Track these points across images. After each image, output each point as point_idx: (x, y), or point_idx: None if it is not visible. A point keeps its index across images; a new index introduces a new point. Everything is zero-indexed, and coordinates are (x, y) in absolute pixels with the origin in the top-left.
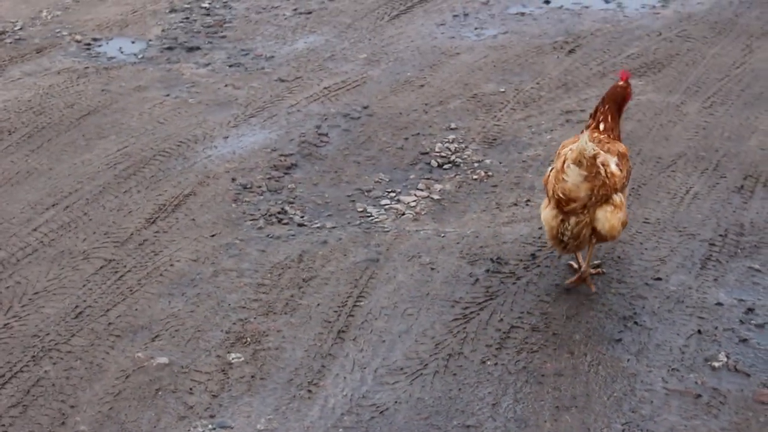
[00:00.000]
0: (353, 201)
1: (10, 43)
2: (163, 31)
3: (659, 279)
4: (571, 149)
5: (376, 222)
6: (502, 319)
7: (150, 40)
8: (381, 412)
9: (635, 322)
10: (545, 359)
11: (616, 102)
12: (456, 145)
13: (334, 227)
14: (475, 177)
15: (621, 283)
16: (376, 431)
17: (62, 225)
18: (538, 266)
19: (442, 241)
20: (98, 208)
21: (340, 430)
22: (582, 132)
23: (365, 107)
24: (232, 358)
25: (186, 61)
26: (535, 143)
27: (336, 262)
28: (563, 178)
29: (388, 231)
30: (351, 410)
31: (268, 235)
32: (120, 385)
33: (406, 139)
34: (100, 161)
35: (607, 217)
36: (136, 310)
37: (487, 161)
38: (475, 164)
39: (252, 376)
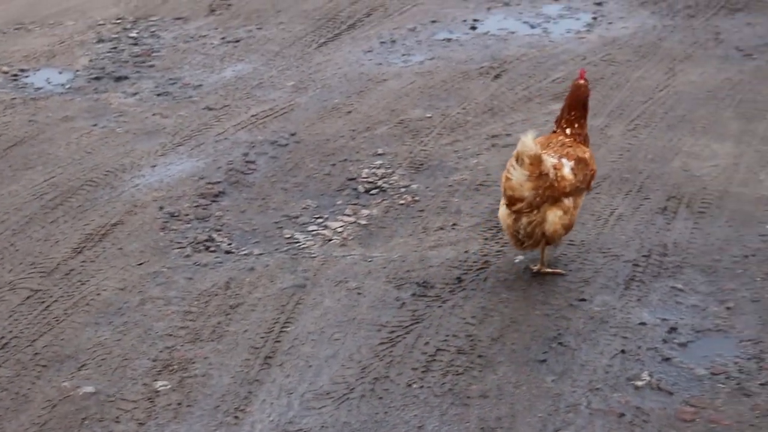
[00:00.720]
0: (280, 228)
1: None
2: (90, 61)
3: (584, 300)
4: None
5: (303, 248)
6: (428, 343)
7: (77, 71)
8: None
9: (560, 343)
10: (471, 381)
11: (581, 103)
12: (383, 171)
13: (261, 254)
14: (401, 202)
15: (545, 305)
16: None
17: None
18: (464, 289)
19: (369, 266)
20: (25, 238)
21: None
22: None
23: (293, 134)
24: (159, 386)
25: (114, 90)
26: (461, 167)
27: (263, 288)
28: (507, 176)
29: (315, 257)
30: None
31: (195, 263)
32: (46, 415)
33: (333, 165)
34: (26, 192)
35: (554, 221)
36: (63, 339)
37: (414, 186)
38: (402, 189)
39: (179, 404)
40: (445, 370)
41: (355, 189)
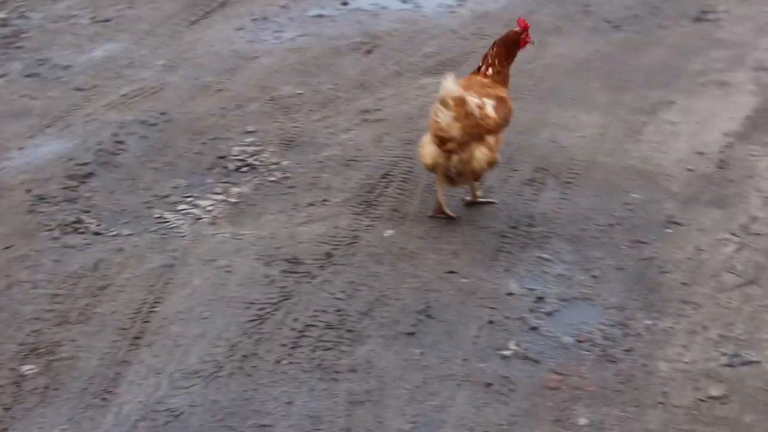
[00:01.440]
0: (150, 207)
1: None
2: None
3: (452, 272)
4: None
5: (172, 228)
6: (297, 319)
7: None
8: (176, 416)
9: (428, 315)
10: (340, 356)
11: (507, 46)
12: (254, 148)
13: (130, 234)
14: (272, 179)
15: (414, 278)
16: None
17: None
18: (334, 264)
19: (239, 244)
20: None
21: None
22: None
23: (163, 113)
24: (26, 370)
25: None
26: (332, 143)
27: (131, 269)
28: (435, 119)
29: (184, 236)
30: (146, 416)
31: (63, 245)
32: None
33: (204, 143)
34: None
35: (480, 157)
36: None
37: (285, 163)
38: (273, 166)
39: (45, 387)
40: (314, 345)
41: (226, 167)
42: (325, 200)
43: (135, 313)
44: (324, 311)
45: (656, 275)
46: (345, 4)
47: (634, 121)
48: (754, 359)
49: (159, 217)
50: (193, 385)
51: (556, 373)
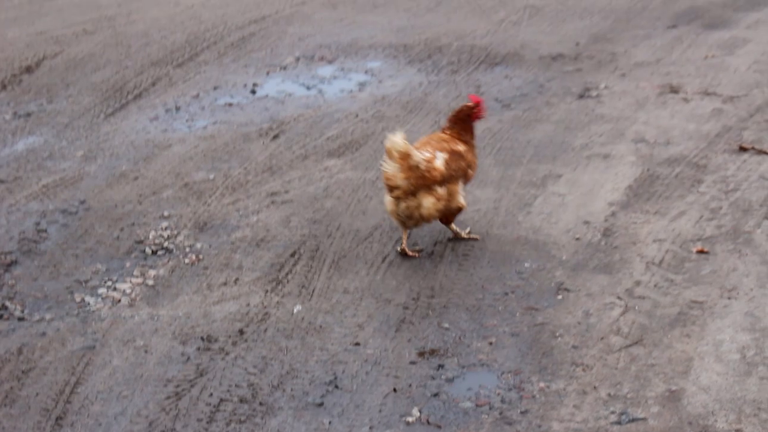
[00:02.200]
0: (72, 292)
1: None
2: None
3: (358, 344)
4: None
5: (93, 311)
6: (212, 394)
7: None
8: None
9: (336, 386)
10: (253, 428)
11: (461, 120)
12: (169, 232)
13: (53, 319)
14: (187, 261)
15: (323, 351)
16: None
17: None
18: (246, 341)
19: (156, 324)
20: None
21: None
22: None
23: (82, 202)
24: None
25: None
26: (242, 225)
27: (54, 352)
28: (383, 169)
29: (104, 318)
30: None
31: None
32: None
33: (122, 229)
34: None
35: (428, 206)
36: None
37: (198, 245)
38: (187, 249)
39: None
40: (229, 419)
41: (143, 251)
42: (237, 279)
43: (58, 394)
44: (237, 386)
45: (549, 340)
46: (253, 92)
47: (525, 193)
48: (640, 417)
49: (80, 301)
50: None
51: None
